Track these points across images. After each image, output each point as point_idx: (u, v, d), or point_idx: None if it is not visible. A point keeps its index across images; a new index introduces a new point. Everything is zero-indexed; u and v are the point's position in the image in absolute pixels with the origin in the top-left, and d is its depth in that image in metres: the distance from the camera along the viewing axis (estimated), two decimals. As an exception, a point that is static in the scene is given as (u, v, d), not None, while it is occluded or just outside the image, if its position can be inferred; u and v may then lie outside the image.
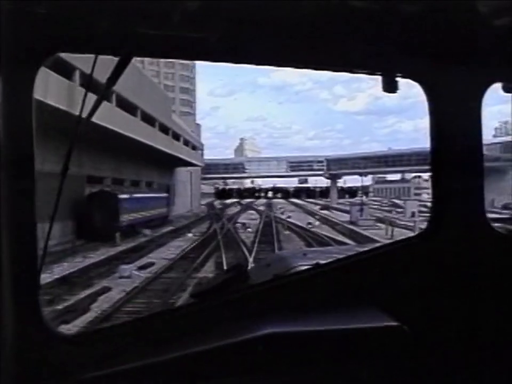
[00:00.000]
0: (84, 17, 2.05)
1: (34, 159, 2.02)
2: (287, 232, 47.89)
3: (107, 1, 2.09)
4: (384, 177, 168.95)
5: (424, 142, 2.87)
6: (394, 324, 2.36)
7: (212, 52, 2.30)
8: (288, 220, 61.86)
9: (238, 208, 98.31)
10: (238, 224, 56.20)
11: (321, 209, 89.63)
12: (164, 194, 61.60)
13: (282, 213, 77.04)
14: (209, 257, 31.62)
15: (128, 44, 2.16)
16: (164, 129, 61.78)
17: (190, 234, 46.81)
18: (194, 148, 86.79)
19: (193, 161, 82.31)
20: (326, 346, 2.33)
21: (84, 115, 2.38)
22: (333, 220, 61.54)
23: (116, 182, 52.19)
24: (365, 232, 43.74)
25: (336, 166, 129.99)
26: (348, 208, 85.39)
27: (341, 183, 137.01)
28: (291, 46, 2.33)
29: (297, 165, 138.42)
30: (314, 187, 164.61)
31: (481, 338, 2.57)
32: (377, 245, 3.48)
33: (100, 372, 2.09)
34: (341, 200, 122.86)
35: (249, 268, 3.33)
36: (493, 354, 2.57)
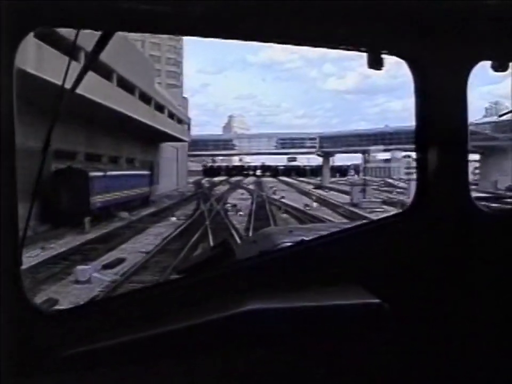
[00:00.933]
0: None
1: (15, 137, 2.02)
2: (284, 215, 42.89)
3: None
4: (374, 156, 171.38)
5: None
6: (375, 301, 2.37)
7: (197, 27, 2.28)
8: (282, 200, 57.26)
9: (226, 187, 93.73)
10: (228, 205, 50.91)
11: (315, 188, 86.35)
12: (146, 172, 55.90)
13: (274, 193, 73.47)
14: (194, 249, 25.92)
15: (110, 19, 2.15)
16: (146, 99, 55.28)
17: (173, 218, 41.09)
18: (180, 121, 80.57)
19: (179, 136, 76.13)
20: (307, 323, 2.35)
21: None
22: (331, 200, 56.93)
23: (91, 158, 46.00)
24: (373, 216, 38.42)
25: (329, 143, 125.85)
26: (342, 187, 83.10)
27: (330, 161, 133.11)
28: (277, 21, 2.33)
29: (289, 142, 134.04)
30: (304, 165, 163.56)
31: (463, 317, 2.57)
32: (361, 222, 3.05)
33: (84, 348, 2.11)
34: (333, 179, 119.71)
35: (235, 244, 3.26)
36: (474, 334, 2.59)
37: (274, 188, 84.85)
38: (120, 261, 23.20)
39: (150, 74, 63.09)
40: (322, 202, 57.01)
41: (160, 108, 63.35)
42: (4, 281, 2.02)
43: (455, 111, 2.50)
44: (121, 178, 44.28)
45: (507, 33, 2.48)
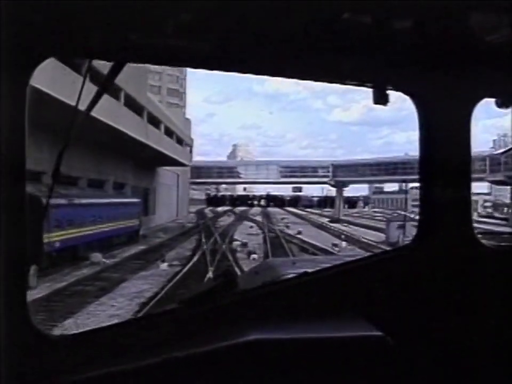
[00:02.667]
0: (79, 24, 2.11)
1: (26, 162, 2.03)
2: (311, 260, 32.12)
3: (102, 10, 2.10)
4: (382, 187, 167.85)
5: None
6: (378, 333, 2.39)
7: (205, 61, 2.35)
8: (299, 236, 47.58)
9: (232, 218, 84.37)
10: (237, 243, 40.62)
11: (331, 222, 77.46)
12: (135, 200, 45.72)
13: (287, 226, 64.11)
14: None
15: (121, 51, 2.23)
16: (135, 107, 45.00)
17: (163, 265, 30.17)
18: (180, 142, 70.57)
19: (180, 159, 66.25)
20: (310, 354, 2.37)
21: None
22: (361, 239, 47.10)
23: (62, 180, 35.69)
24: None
25: (344, 172, 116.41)
26: (361, 221, 73.55)
27: (333, 192, 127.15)
28: (283, 56, 2.39)
29: (300, 171, 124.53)
30: (312, 196, 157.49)
31: (465, 349, 2.59)
32: (364, 255, 3.13)
33: (89, 374, 2.14)
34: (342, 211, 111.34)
35: (237, 275, 4.94)
36: (476, 365, 2.61)
37: (286, 221, 75.11)
38: None
39: (141, 77, 51.96)
40: (351, 241, 46.83)
41: (155, 121, 53.26)
42: (12, 306, 2.04)
43: (459, 147, 2.54)
44: (98, 208, 33.99)
45: (511, 72, 2.51)
